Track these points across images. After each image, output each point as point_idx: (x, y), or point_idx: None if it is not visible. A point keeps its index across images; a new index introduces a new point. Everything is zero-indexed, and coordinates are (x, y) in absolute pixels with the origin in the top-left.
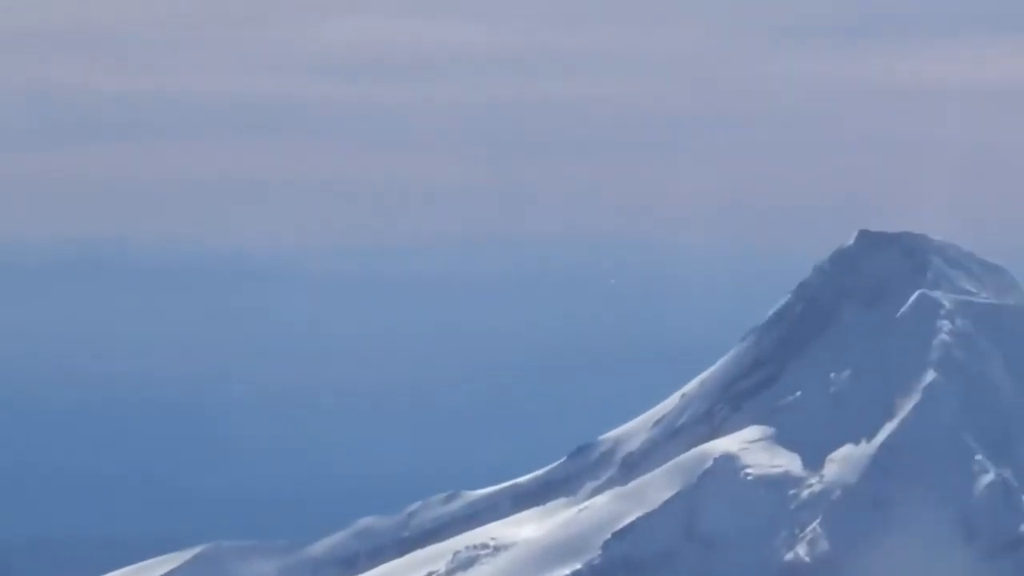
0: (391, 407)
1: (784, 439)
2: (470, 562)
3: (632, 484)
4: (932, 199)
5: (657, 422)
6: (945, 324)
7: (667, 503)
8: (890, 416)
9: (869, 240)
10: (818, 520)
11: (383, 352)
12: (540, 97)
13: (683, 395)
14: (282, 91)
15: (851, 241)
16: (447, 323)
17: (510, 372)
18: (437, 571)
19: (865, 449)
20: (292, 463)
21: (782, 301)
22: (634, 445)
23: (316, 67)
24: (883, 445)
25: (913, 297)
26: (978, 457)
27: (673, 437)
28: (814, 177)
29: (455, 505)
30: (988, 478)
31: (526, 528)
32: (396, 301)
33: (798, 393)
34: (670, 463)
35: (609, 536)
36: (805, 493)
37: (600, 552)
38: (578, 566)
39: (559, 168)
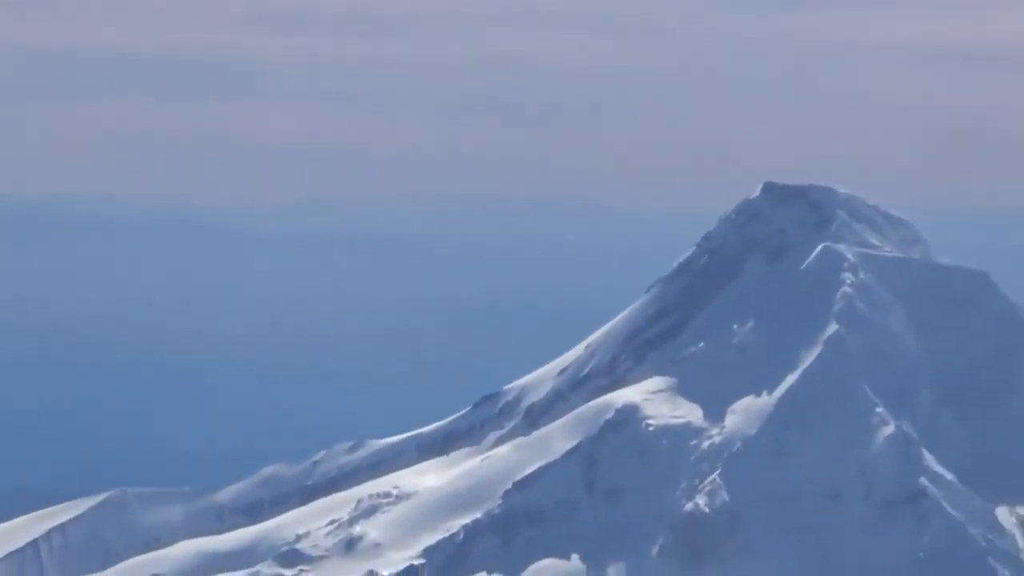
0: (300, 361)
1: (686, 390)
2: (372, 510)
3: (535, 434)
4: (840, 153)
5: (561, 372)
6: (848, 277)
7: (568, 453)
8: (792, 368)
9: (774, 192)
10: (718, 471)
11: (293, 308)
12: (479, 55)
13: (587, 346)
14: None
15: (756, 193)
16: (360, 279)
17: (420, 325)
18: (340, 519)
19: (766, 401)
20: (203, 414)
21: (687, 253)
22: (538, 395)
23: (245, 22)
24: (784, 397)
25: (817, 250)
26: (878, 410)
27: (577, 387)
28: (724, 132)
29: (360, 454)
30: (888, 431)
31: (429, 477)
32: (317, 258)
33: (701, 344)
34: (572, 413)
35: (510, 486)
36: (706, 444)
37: (500, 502)
38: (478, 515)
39: (469, 129)
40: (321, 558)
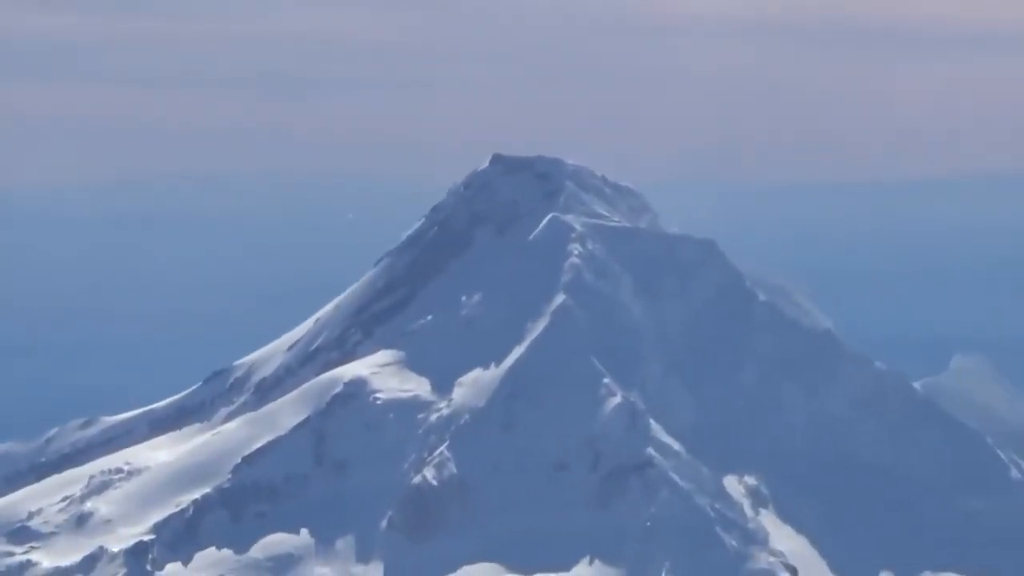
0: (34, 336)
1: (415, 363)
2: (105, 486)
3: (264, 409)
4: (572, 125)
5: (291, 347)
6: (576, 247)
7: (297, 427)
8: (519, 340)
9: (503, 163)
10: (446, 444)
11: (40, 284)
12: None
13: (317, 320)
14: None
15: (485, 164)
16: (109, 253)
17: (156, 298)
18: (73, 495)
19: (494, 373)
20: None
21: (416, 224)
22: (268, 370)
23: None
24: (511, 369)
25: (545, 220)
26: (606, 380)
27: (307, 362)
28: (455, 106)
29: (92, 430)
30: (615, 401)
31: (161, 452)
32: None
33: (429, 317)
34: (301, 388)
35: (239, 460)
36: (434, 417)
37: (230, 476)
38: (207, 490)
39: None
40: (52, 535)
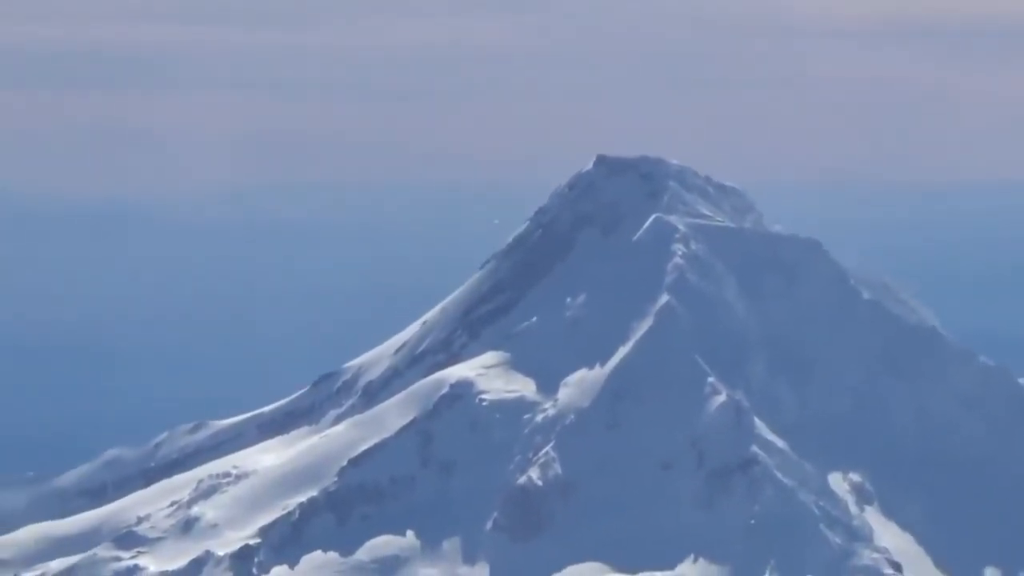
0: (138, 342)
1: (520, 364)
2: (212, 490)
3: (371, 411)
4: (676, 126)
5: (398, 350)
6: (680, 248)
7: (403, 429)
8: (624, 340)
9: (607, 165)
10: (551, 444)
11: (132, 289)
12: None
13: (424, 322)
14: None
15: (589, 166)
16: (193, 259)
17: (258, 304)
18: (180, 500)
19: (599, 373)
20: (43, 398)
21: (521, 227)
22: (375, 373)
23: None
24: (616, 369)
25: (648, 221)
26: (710, 379)
27: (413, 364)
28: (558, 107)
29: (201, 435)
30: (719, 400)
31: (268, 456)
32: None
33: (534, 319)
34: (407, 390)
35: (345, 463)
36: (539, 417)
37: (336, 479)
38: (314, 493)
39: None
40: (158, 539)
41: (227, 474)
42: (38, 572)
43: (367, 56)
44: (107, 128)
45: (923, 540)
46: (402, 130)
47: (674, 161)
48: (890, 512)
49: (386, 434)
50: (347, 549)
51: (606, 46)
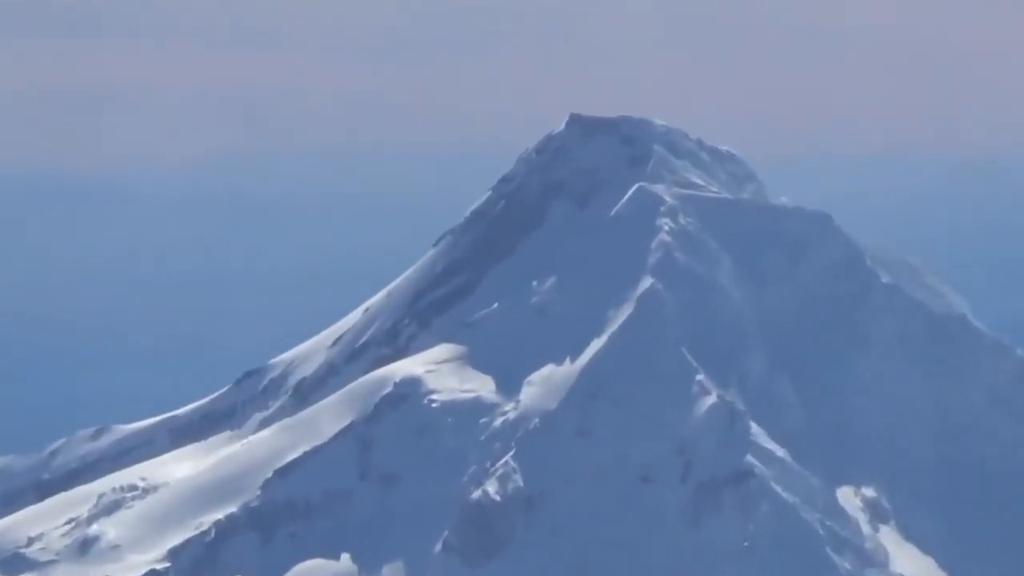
0: (32, 336)
1: (477, 359)
2: (116, 506)
3: (302, 414)
4: (659, 83)
5: (335, 343)
6: (666, 222)
7: (338, 435)
8: (599, 331)
9: (581, 126)
10: (512, 452)
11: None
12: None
13: (367, 310)
14: None
15: (561, 126)
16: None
17: (173, 295)
18: (78, 517)
19: (569, 370)
20: None
21: (481, 198)
22: (308, 370)
23: None
24: (589, 365)
25: (630, 192)
26: (699, 377)
27: (353, 359)
28: (530, 58)
29: (104, 442)
30: (710, 401)
31: (182, 466)
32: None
33: (495, 305)
34: (345, 389)
35: (270, 474)
36: (498, 422)
37: (260, 493)
38: (233, 509)
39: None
40: (51, 563)
41: (133, 487)
42: None
43: (327, 9)
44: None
45: (946, 564)
46: (363, 88)
47: (660, 122)
48: (909, 532)
49: (319, 441)
50: (272, 574)
51: None
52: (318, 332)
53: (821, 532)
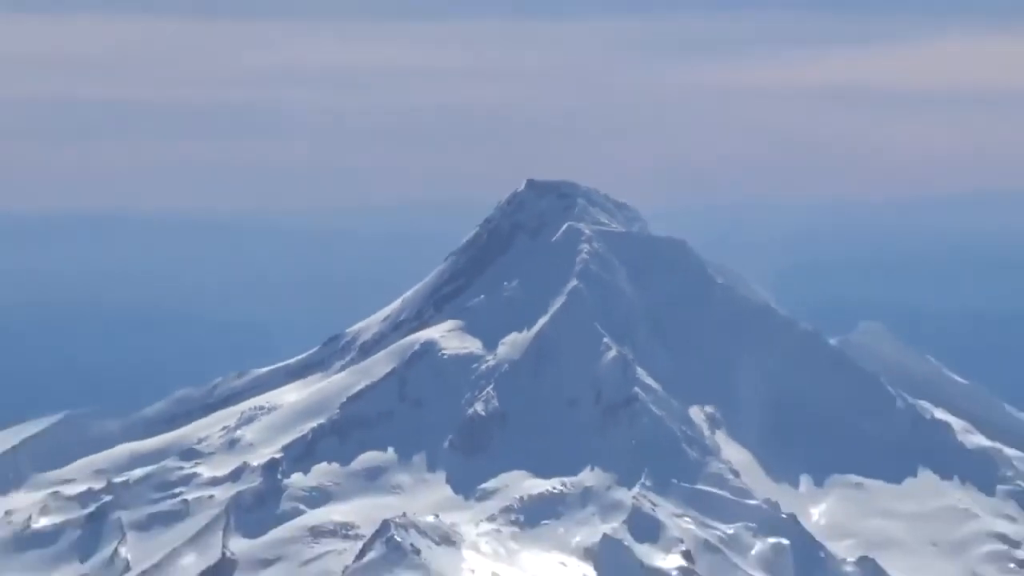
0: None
1: (471, 329)
2: (251, 419)
3: (364, 362)
4: (592, 157)
5: (385, 319)
6: (585, 247)
7: (386, 376)
8: (544, 312)
9: (535, 187)
10: (491, 386)
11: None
12: None
13: (403, 299)
14: None
15: (522, 187)
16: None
17: (282, 289)
18: (229, 426)
19: (526, 335)
20: (140, 352)
21: (472, 232)
22: (368, 335)
23: None
24: (538, 332)
25: (563, 228)
26: (605, 339)
27: (395, 329)
28: (505, 147)
29: (245, 380)
30: (611, 354)
31: (291, 395)
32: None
33: (481, 297)
34: (390, 347)
35: (345, 400)
36: (483, 367)
37: (338, 411)
38: (323, 421)
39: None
40: (211, 454)
41: (262, 407)
42: (124, 478)
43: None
44: None
45: (756, 455)
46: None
47: (583, 184)
48: (732, 435)
49: (374, 379)
50: (345, 461)
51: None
52: (374, 313)
53: (679, 434)
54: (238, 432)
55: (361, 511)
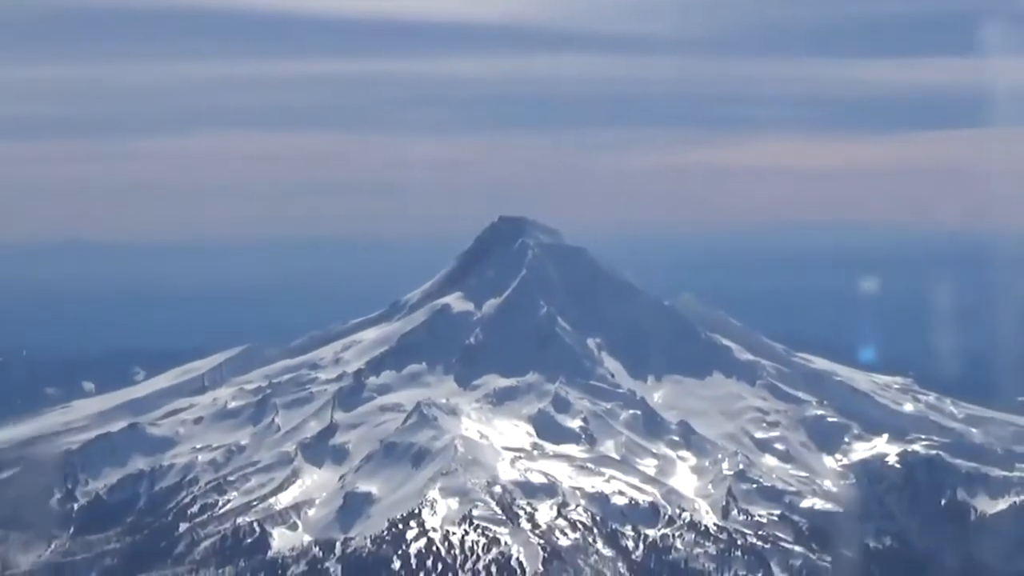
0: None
1: (468, 297)
2: (348, 347)
3: (410, 315)
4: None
5: (422, 291)
6: (531, 252)
7: (420, 324)
8: (507, 288)
9: (504, 221)
10: (479, 328)
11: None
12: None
13: (431, 282)
14: None
15: (496, 220)
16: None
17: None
18: (337, 350)
19: (497, 301)
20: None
21: (464, 248)
22: (414, 300)
23: None
24: (505, 299)
25: (518, 242)
26: (541, 302)
27: (427, 297)
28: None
29: (346, 326)
30: (544, 311)
31: (371, 334)
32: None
33: (474, 279)
34: (424, 307)
35: (399, 336)
36: (474, 318)
37: (395, 343)
38: (387, 347)
39: None
40: (325, 366)
41: (355, 341)
42: (279, 379)
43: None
44: None
45: (624, 364)
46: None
47: (532, 218)
48: (610, 353)
49: (415, 324)
50: (399, 369)
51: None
52: (416, 288)
53: (580, 353)
54: (343, 354)
55: (406, 397)
